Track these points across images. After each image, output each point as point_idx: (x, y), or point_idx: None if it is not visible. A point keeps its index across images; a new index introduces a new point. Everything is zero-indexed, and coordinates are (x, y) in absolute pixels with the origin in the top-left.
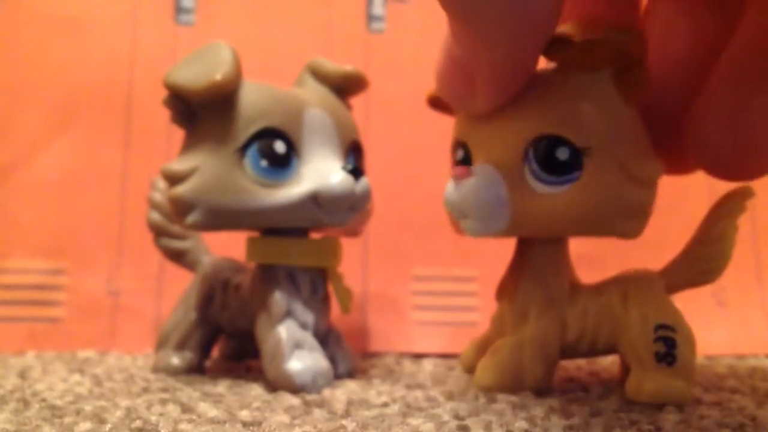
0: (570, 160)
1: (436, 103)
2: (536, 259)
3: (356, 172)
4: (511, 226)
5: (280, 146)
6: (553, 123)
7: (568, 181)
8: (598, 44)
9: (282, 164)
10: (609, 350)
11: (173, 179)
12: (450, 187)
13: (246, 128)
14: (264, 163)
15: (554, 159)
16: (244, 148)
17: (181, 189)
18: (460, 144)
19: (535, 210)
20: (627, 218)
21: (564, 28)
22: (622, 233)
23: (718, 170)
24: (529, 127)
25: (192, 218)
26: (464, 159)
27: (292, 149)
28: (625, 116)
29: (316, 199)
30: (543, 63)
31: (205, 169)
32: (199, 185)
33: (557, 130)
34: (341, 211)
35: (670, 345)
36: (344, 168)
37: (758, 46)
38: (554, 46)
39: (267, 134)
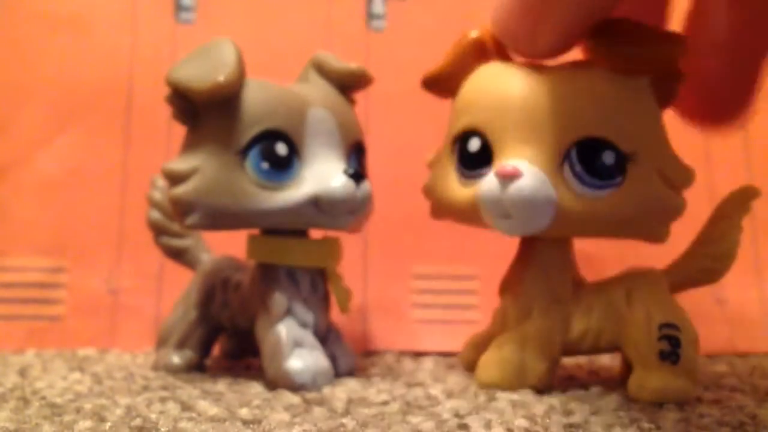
0: (615, 165)
1: (431, 84)
2: (541, 256)
3: (357, 176)
4: (552, 227)
5: (281, 148)
6: (600, 126)
7: (610, 186)
8: (644, 52)
9: (283, 166)
10: (612, 348)
11: (173, 179)
12: (492, 184)
13: (248, 130)
14: (265, 165)
15: (599, 162)
16: (245, 150)
17: (181, 189)
18: (474, 132)
19: (575, 212)
20: (663, 223)
21: (612, 31)
22: (657, 237)
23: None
24: (573, 127)
25: (191, 219)
26: (482, 150)
27: (294, 151)
28: (661, 123)
29: (316, 203)
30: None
31: (205, 169)
32: (199, 186)
33: (605, 134)
34: (341, 215)
35: (674, 344)
36: (346, 172)
37: None
38: (601, 47)
39: (269, 136)
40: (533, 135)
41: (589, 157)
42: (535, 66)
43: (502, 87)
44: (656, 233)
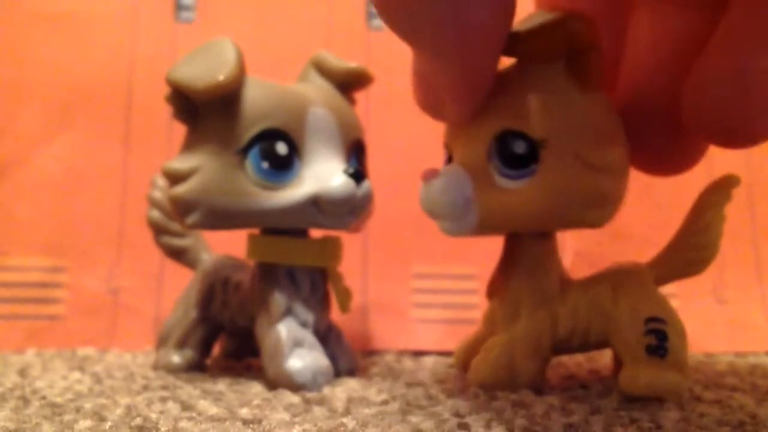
0: (527, 154)
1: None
2: (525, 256)
3: (358, 175)
4: (480, 224)
5: (281, 147)
6: (509, 117)
7: (526, 175)
8: (543, 32)
9: (283, 166)
10: (601, 345)
11: (174, 178)
12: (421, 188)
13: (248, 129)
14: (265, 164)
15: (512, 153)
16: (245, 150)
17: (181, 189)
18: (445, 146)
19: (500, 206)
20: (589, 208)
21: (518, 23)
22: (587, 223)
23: (718, 134)
24: (490, 124)
25: (192, 219)
26: (448, 160)
27: (294, 150)
28: (582, 105)
29: (316, 203)
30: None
31: (206, 169)
32: (199, 186)
33: (513, 124)
34: (341, 215)
35: (661, 337)
36: (346, 171)
37: (756, 9)
38: (510, 42)
39: (269, 135)
40: (467, 138)
41: (504, 149)
42: None
43: None
44: (586, 219)
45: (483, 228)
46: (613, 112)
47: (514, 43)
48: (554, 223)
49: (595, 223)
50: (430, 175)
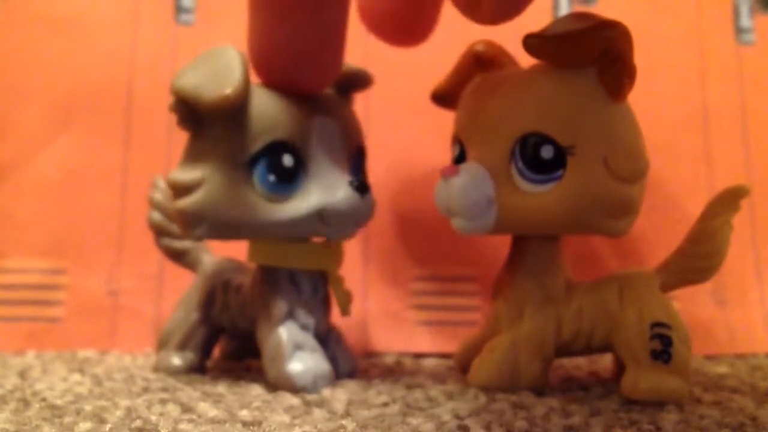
0: (554, 159)
1: (439, 98)
2: (532, 257)
3: (362, 187)
4: (498, 224)
5: (288, 160)
6: (537, 121)
7: (552, 180)
8: (580, 39)
9: (289, 178)
10: (604, 348)
11: (178, 190)
12: (439, 185)
13: (255, 141)
14: (272, 177)
15: (539, 157)
16: (252, 162)
17: (187, 202)
18: (456, 140)
19: (521, 209)
20: (612, 216)
21: (548, 24)
22: (609, 232)
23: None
24: (515, 125)
25: (199, 231)
26: (460, 155)
27: (300, 162)
28: (611, 114)
29: (321, 215)
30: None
31: (211, 181)
32: (205, 199)
33: (541, 128)
34: (345, 227)
35: (665, 343)
36: (351, 184)
37: None
38: (537, 42)
39: (276, 148)
40: (488, 136)
41: (530, 153)
42: (502, 72)
43: (468, 95)
44: (608, 227)
45: (499, 229)
46: (638, 124)
47: (546, 44)
48: (574, 229)
49: (617, 232)
50: (450, 172)
